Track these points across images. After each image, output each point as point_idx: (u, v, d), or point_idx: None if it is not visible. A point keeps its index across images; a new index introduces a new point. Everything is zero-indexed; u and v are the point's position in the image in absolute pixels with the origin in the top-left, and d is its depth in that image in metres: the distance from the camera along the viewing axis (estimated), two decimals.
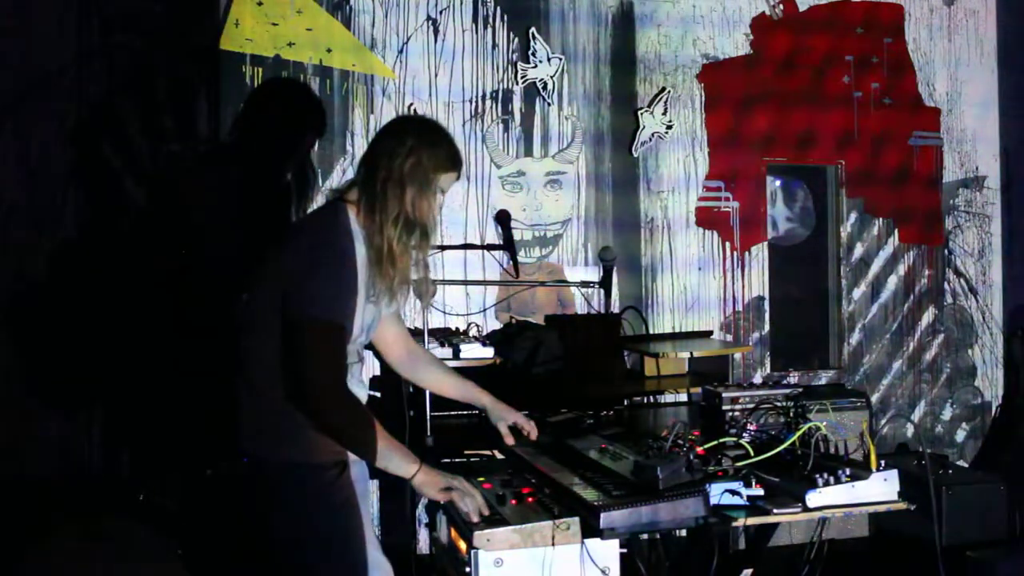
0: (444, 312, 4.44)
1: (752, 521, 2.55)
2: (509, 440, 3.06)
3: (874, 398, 5.73)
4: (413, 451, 2.78)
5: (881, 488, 2.58)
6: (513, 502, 2.58)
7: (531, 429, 3.08)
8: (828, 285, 5.87)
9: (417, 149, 2.62)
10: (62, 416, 4.45)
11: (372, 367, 3.65)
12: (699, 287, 5.49)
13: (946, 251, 5.98)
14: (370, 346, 2.92)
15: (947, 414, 5.96)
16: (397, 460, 2.57)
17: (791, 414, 2.95)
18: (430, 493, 2.62)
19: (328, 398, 2.49)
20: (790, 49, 5.66)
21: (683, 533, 3.20)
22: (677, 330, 5.39)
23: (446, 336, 4.12)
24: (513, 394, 3.86)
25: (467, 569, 2.43)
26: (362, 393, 2.71)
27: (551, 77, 5.23)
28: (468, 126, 5.12)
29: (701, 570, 2.62)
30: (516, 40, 5.20)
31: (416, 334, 3.68)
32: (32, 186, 4.45)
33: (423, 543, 3.84)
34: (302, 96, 4.49)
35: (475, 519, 2.50)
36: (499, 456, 3.14)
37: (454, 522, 2.64)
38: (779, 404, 3.06)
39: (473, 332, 4.24)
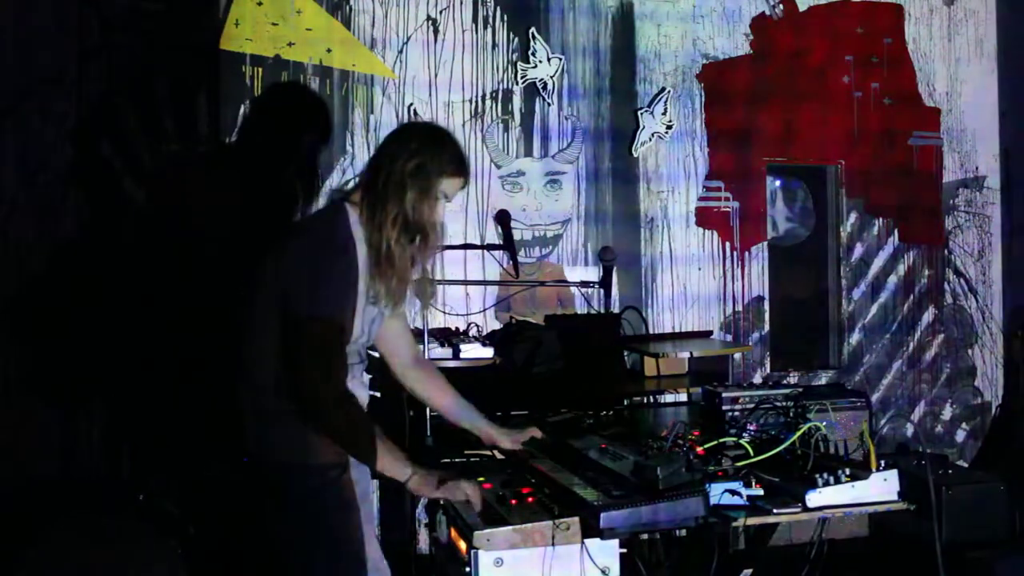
0: (444, 312, 4.44)
1: (752, 521, 2.55)
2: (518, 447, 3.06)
3: (874, 398, 5.73)
4: (413, 452, 2.78)
5: (881, 488, 2.59)
6: (513, 502, 2.58)
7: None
8: (828, 285, 5.88)
9: (420, 152, 2.63)
10: (62, 416, 4.44)
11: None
12: (699, 287, 5.49)
13: (946, 251, 5.98)
14: (372, 351, 2.92)
15: (947, 414, 5.96)
16: (392, 463, 2.57)
17: (791, 414, 2.95)
18: (426, 493, 2.62)
19: (326, 398, 2.49)
20: (790, 49, 5.66)
21: (683, 533, 3.20)
22: (677, 329, 5.39)
23: (446, 336, 4.13)
24: (513, 394, 3.86)
25: (467, 569, 2.43)
26: (363, 393, 2.71)
27: (551, 77, 5.23)
28: (468, 126, 5.12)
29: (701, 570, 2.62)
30: (516, 40, 5.20)
31: (416, 334, 3.68)
32: (32, 186, 4.45)
33: (423, 543, 3.84)
34: (303, 99, 4.50)
35: (478, 507, 2.51)
36: (499, 456, 3.14)
37: (454, 522, 2.64)
38: (779, 404, 3.06)
39: (473, 332, 4.24)
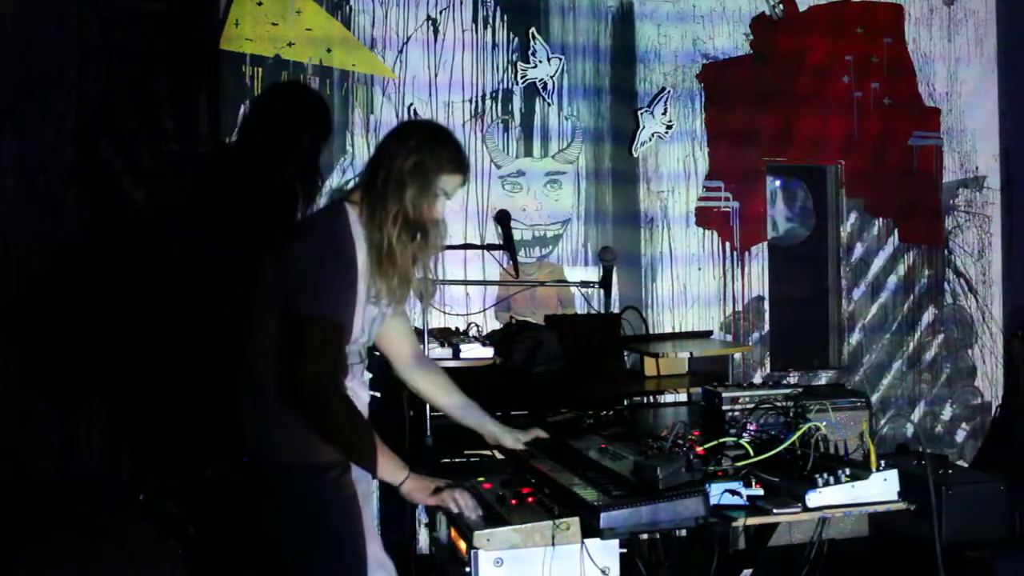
0: (444, 312, 4.44)
1: (752, 521, 2.55)
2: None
3: (874, 398, 5.73)
4: (413, 452, 2.78)
5: (881, 488, 2.59)
6: (513, 502, 2.58)
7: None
8: (828, 285, 5.88)
9: (419, 150, 2.63)
10: (62, 416, 4.44)
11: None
12: (699, 287, 5.49)
13: (946, 251, 5.98)
14: (375, 351, 2.92)
15: (947, 414, 5.96)
16: (386, 466, 2.57)
17: (791, 414, 2.96)
18: (420, 499, 2.62)
19: (323, 397, 2.49)
20: (790, 49, 5.66)
21: (683, 533, 3.20)
22: (677, 329, 5.39)
23: (446, 336, 4.13)
24: (513, 394, 3.87)
25: (467, 569, 2.43)
26: (364, 393, 2.71)
27: (551, 77, 5.23)
28: (468, 126, 5.12)
29: (701, 570, 2.62)
30: (516, 40, 5.20)
31: (416, 334, 3.68)
32: (32, 186, 4.45)
33: (423, 543, 3.84)
34: (302, 97, 4.49)
35: (470, 516, 2.51)
36: (499, 456, 3.14)
37: (454, 522, 2.64)
38: (779, 404, 3.07)
39: (473, 332, 4.24)
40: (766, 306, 5.61)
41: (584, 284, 4.25)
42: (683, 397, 4.67)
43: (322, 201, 4.28)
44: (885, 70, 5.83)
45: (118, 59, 4.55)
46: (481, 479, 2.78)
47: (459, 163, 2.71)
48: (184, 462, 4.18)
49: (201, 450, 4.09)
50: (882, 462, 2.61)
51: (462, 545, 2.52)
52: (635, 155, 5.38)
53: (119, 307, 4.35)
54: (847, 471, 2.60)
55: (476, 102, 5.15)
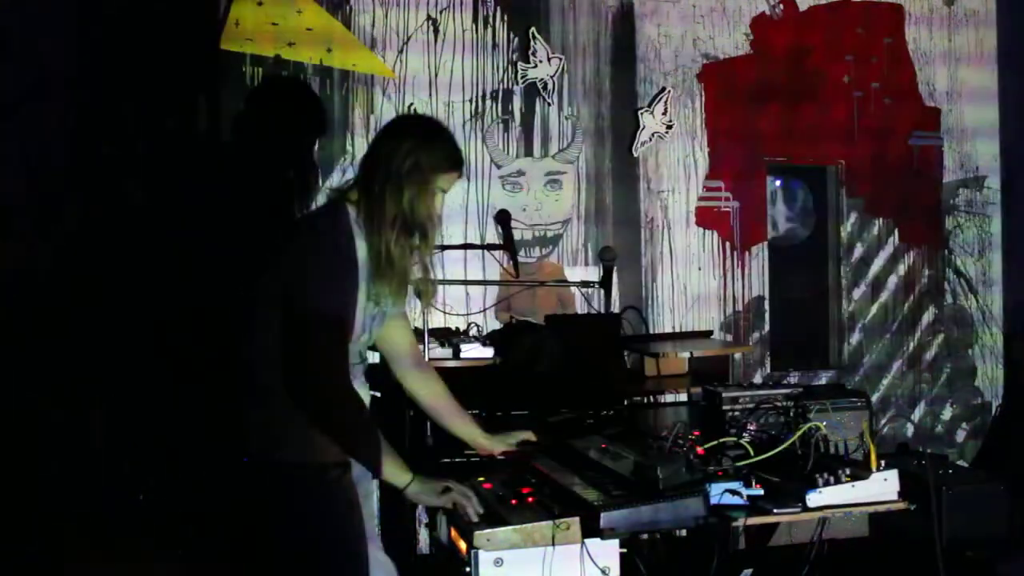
0: (444, 312, 4.44)
1: (752, 521, 2.55)
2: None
3: (874, 398, 5.73)
4: (413, 452, 2.78)
5: (881, 488, 2.59)
6: (513, 502, 2.58)
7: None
8: (828, 285, 5.88)
9: (415, 150, 2.61)
10: (62, 416, 4.45)
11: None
12: (699, 287, 5.49)
13: (946, 251, 5.98)
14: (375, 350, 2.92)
15: (947, 414, 5.95)
16: (391, 468, 2.57)
17: (791, 414, 2.95)
18: (426, 501, 2.62)
19: (330, 397, 2.49)
20: (790, 49, 5.66)
21: (683, 533, 3.20)
22: (677, 330, 5.39)
23: (446, 336, 4.13)
24: (513, 394, 3.86)
25: (467, 569, 2.43)
26: (364, 394, 2.70)
27: (551, 77, 5.23)
28: (468, 126, 5.12)
29: (701, 570, 2.62)
30: (516, 40, 5.20)
31: (416, 334, 3.68)
32: (32, 186, 4.46)
33: (423, 543, 3.84)
34: (300, 95, 4.50)
35: (475, 519, 2.50)
36: (499, 456, 3.13)
37: (454, 522, 2.63)
38: (779, 404, 3.06)
39: (473, 332, 4.24)
40: (766, 306, 5.62)
41: (584, 284, 4.25)
42: (683, 397, 4.67)
43: (320, 200, 4.29)
44: (885, 70, 5.83)
45: (118, 59, 4.55)
46: (481, 479, 2.77)
47: (456, 160, 2.70)
48: (184, 462, 4.19)
49: (201, 450, 4.09)
50: (882, 462, 2.61)
51: (462, 545, 2.52)
52: (635, 155, 5.38)
53: (119, 307, 4.35)
54: (847, 471, 2.60)
55: (476, 102, 5.15)
